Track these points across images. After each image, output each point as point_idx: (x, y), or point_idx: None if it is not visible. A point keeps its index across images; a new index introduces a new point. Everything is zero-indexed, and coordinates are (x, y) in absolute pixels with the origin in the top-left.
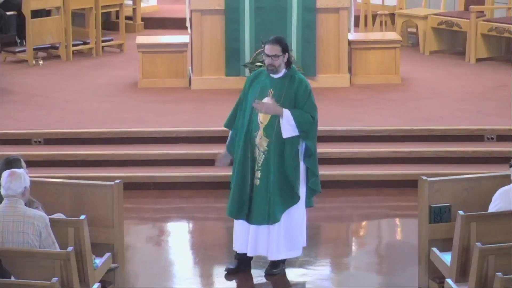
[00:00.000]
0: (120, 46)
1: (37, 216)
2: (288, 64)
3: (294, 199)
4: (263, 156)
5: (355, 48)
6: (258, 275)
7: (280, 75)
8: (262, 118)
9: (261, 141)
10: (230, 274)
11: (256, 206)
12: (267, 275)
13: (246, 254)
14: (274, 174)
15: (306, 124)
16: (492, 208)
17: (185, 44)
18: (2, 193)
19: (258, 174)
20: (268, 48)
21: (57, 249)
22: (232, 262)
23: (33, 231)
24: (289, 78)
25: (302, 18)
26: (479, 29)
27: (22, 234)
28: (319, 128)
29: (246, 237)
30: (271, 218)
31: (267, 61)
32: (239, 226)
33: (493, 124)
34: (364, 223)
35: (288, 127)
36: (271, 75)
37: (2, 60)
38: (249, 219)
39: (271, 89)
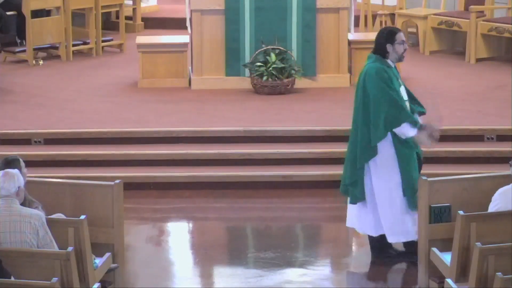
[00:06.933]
0: (120, 46)
1: (33, 215)
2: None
3: None
4: None
5: (355, 48)
6: (257, 275)
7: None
8: None
9: None
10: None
11: None
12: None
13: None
14: None
15: None
16: (492, 208)
17: (185, 44)
18: None
19: None
20: (404, 35)
21: (55, 247)
22: (389, 251)
23: (30, 230)
24: None
25: (302, 18)
26: (479, 29)
27: (19, 233)
28: (319, 128)
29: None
30: None
31: (404, 47)
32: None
33: (493, 124)
34: None
35: None
36: (393, 64)
37: (2, 60)
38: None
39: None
